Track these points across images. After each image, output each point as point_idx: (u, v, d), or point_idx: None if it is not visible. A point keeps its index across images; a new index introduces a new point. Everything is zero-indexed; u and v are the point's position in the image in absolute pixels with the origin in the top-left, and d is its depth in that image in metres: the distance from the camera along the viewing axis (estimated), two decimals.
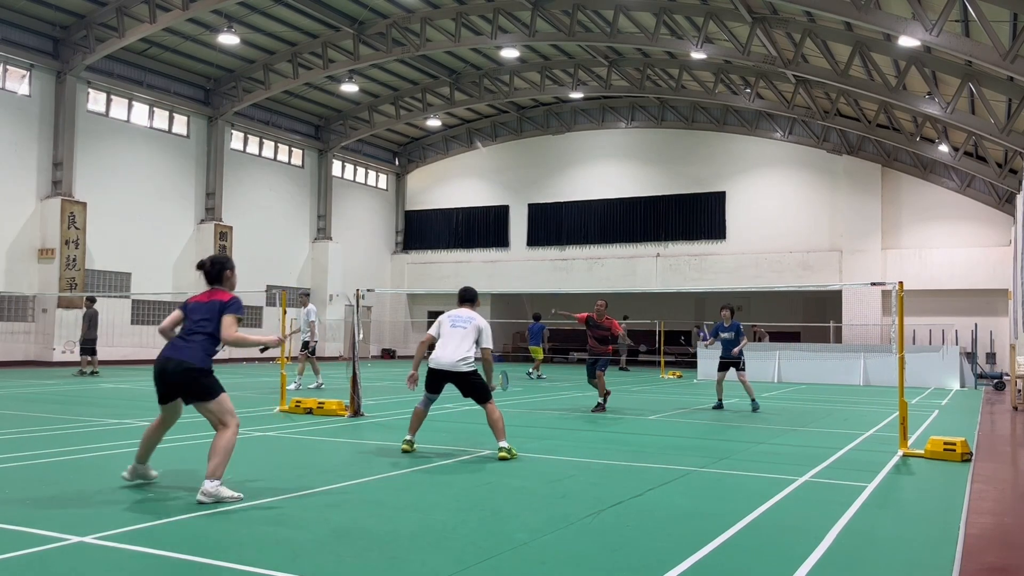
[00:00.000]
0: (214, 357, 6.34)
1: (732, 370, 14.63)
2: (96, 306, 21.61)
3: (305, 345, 17.58)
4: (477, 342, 8.71)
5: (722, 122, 33.31)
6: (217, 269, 6.54)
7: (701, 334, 15.16)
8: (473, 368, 8.62)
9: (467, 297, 9.18)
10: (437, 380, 8.69)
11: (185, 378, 6.20)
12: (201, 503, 5.88)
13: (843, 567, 4.73)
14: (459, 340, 8.62)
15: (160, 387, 6.34)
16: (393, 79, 32.26)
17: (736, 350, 14.37)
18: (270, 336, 6.79)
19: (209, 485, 5.95)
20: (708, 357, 24.50)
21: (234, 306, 6.34)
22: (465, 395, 8.73)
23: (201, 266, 6.59)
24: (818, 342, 27.74)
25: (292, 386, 16.39)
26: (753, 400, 14.11)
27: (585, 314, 14.41)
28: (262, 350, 7.09)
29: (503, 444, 8.34)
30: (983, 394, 20.46)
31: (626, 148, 35.51)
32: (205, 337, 6.28)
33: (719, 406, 14.44)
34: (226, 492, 6.02)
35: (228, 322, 6.28)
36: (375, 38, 27.50)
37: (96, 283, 26.72)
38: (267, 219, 33.07)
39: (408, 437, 8.64)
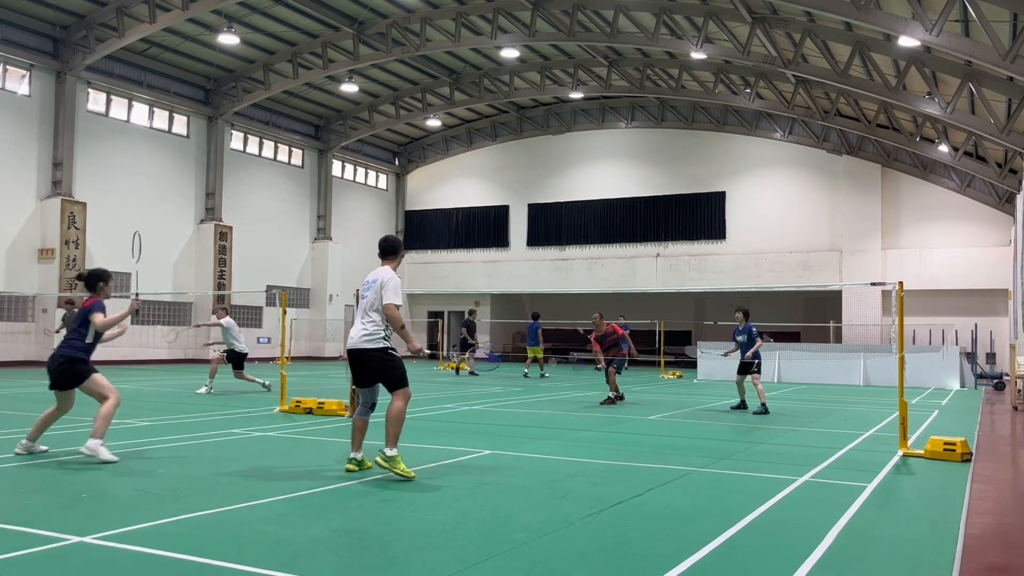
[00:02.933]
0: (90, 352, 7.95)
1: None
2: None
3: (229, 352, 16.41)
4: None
5: (722, 122, 33.31)
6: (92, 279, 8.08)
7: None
8: (379, 345, 7.16)
9: (384, 250, 7.61)
10: (353, 366, 7.36)
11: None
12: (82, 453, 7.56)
13: (843, 567, 4.72)
14: (362, 311, 7.27)
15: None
16: (393, 79, 32.26)
17: (749, 353, 14.08)
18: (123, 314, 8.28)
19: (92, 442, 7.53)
20: (709, 358, 24.53)
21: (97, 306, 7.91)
22: (372, 382, 7.38)
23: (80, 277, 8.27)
24: (818, 342, 27.72)
25: (203, 390, 15.60)
26: (763, 404, 13.73)
27: (593, 338, 16.00)
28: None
29: (388, 451, 6.95)
30: (983, 394, 20.46)
31: (626, 148, 35.51)
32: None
33: (741, 406, 14.20)
34: (105, 452, 7.51)
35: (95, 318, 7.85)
36: (375, 38, 27.50)
37: None
38: (267, 219, 33.07)
39: (351, 455, 7.35)
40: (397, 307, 7.19)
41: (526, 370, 23.99)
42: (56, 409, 8.09)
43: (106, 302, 8.15)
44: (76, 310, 21.60)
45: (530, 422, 12.20)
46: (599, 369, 16.82)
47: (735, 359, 14.54)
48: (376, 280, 7.28)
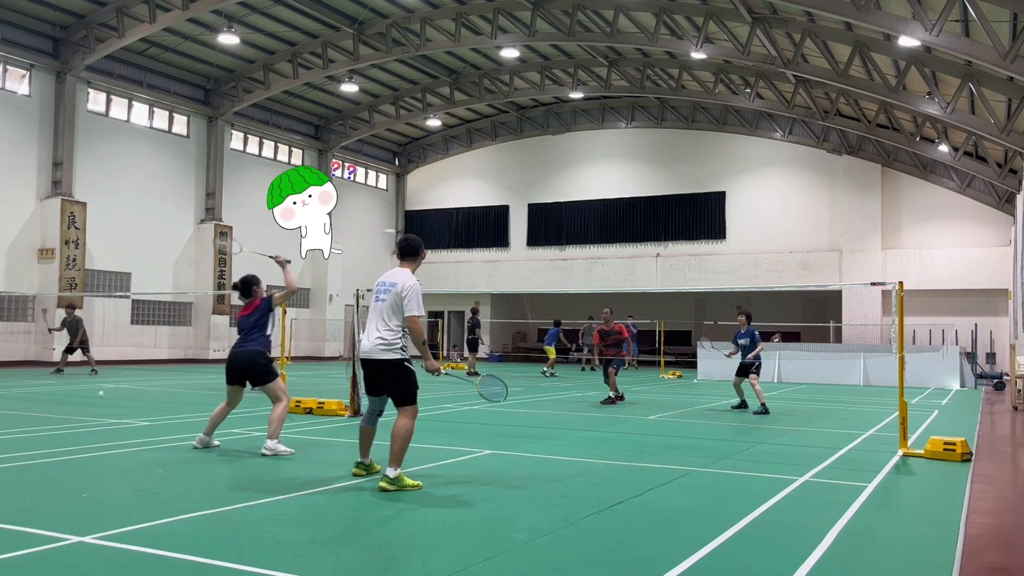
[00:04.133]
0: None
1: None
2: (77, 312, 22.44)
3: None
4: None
5: (722, 122, 33.31)
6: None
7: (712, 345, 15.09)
8: (397, 356, 6.75)
9: (405, 250, 7.09)
10: (368, 375, 6.94)
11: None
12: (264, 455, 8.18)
13: (843, 567, 4.73)
14: (378, 317, 6.82)
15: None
16: (393, 79, 32.26)
17: (751, 356, 14.13)
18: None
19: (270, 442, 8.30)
20: (708, 358, 24.55)
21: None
22: (383, 392, 7.00)
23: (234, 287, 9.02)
24: (818, 342, 27.73)
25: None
26: (763, 404, 13.71)
27: (597, 332, 15.70)
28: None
29: (391, 472, 6.56)
30: (983, 394, 20.47)
31: (626, 148, 35.51)
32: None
33: (741, 405, 14.24)
34: (283, 448, 8.31)
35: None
36: (375, 38, 27.50)
37: (96, 283, 26.72)
38: (267, 219, 32.92)
39: (359, 460, 7.17)
40: (419, 318, 6.76)
41: (550, 370, 24.97)
42: (227, 404, 8.73)
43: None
44: (77, 314, 21.75)
45: (530, 422, 12.21)
46: (583, 369, 16.94)
47: (737, 360, 14.54)
48: (396, 284, 6.77)
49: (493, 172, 37.97)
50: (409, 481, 6.66)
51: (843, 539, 5.30)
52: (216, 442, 8.76)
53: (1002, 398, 19.59)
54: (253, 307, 8.84)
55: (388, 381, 6.82)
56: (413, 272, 6.98)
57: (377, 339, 6.74)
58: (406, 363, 6.80)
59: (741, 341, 14.35)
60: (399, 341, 6.77)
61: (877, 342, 28.68)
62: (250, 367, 8.58)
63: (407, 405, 6.78)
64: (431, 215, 39.16)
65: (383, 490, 6.50)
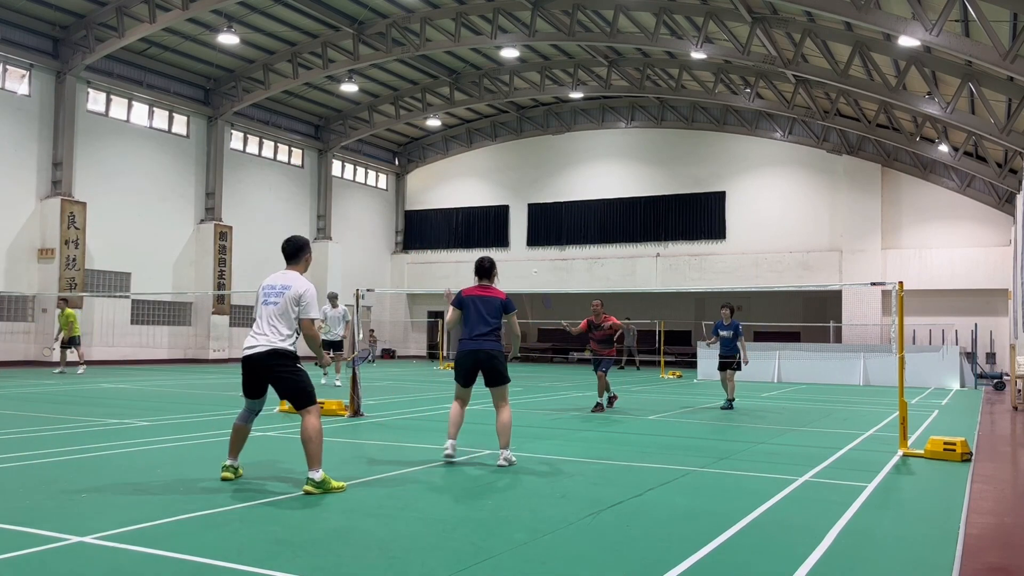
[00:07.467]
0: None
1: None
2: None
3: (339, 346, 18.59)
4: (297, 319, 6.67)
5: (722, 122, 33.31)
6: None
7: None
8: (286, 360, 6.59)
9: (289, 253, 6.89)
10: (249, 375, 6.71)
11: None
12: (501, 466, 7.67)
13: (843, 567, 4.72)
14: (269, 320, 6.63)
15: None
16: (393, 79, 32.27)
17: (740, 356, 14.57)
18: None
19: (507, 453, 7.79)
20: (708, 357, 24.53)
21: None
22: (281, 396, 6.88)
23: None
24: (818, 342, 27.73)
25: (323, 380, 17.88)
26: (730, 400, 14.25)
27: (585, 321, 14.60)
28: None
29: (314, 475, 6.35)
30: (983, 394, 20.47)
31: (626, 148, 35.52)
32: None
33: (728, 406, 14.37)
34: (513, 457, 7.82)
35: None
36: (375, 38, 27.51)
37: (96, 283, 26.71)
38: (267, 219, 33.04)
39: (227, 462, 6.77)
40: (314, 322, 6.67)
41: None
42: (464, 404, 8.17)
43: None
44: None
45: (530, 422, 12.20)
46: (566, 326, 15.94)
47: (717, 348, 14.97)
48: (288, 288, 6.65)
49: (493, 172, 37.98)
50: (335, 483, 6.44)
51: (843, 539, 5.30)
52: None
53: (1002, 398, 19.59)
54: (494, 293, 8.05)
55: (278, 383, 6.63)
56: (303, 274, 6.88)
57: (268, 344, 6.55)
58: (290, 364, 6.60)
59: (723, 332, 14.68)
60: (286, 343, 6.59)
61: (877, 342, 28.69)
62: (498, 367, 7.92)
63: (309, 405, 6.57)
64: (431, 215, 39.16)
65: (308, 493, 6.28)
